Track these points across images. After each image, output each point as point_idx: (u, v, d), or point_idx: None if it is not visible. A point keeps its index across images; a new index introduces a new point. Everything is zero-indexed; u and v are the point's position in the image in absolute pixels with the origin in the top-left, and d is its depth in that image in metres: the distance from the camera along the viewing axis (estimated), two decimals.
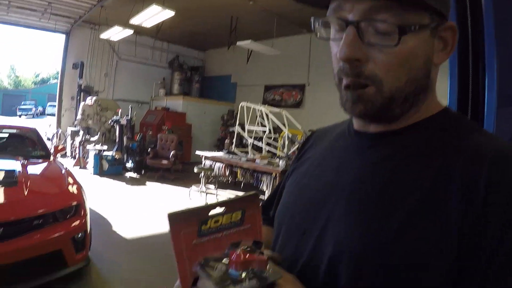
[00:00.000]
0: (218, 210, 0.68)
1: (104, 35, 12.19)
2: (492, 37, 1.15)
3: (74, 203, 4.08)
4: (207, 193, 8.62)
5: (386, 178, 0.72)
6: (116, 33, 11.65)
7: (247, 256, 0.62)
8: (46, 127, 14.79)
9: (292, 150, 8.33)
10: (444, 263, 0.59)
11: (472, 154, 0.65)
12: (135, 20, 9.85)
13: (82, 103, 12.72)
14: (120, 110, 12.05)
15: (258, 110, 9.33)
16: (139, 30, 12.43)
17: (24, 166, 4.59)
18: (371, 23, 0.68)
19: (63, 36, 14.06)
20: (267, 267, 0.64)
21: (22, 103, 48.90)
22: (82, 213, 4.11)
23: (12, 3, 10.92)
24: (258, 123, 9.39)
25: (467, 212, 0.59)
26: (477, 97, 1.20)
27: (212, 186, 9.20)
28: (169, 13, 9.14)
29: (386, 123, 0.78)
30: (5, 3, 10.88)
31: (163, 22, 10.26)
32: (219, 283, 0.60)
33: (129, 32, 11.27)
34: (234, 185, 10.04)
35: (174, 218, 0.64)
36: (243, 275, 0.61)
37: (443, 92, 1.24)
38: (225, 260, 0.64)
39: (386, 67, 0.70)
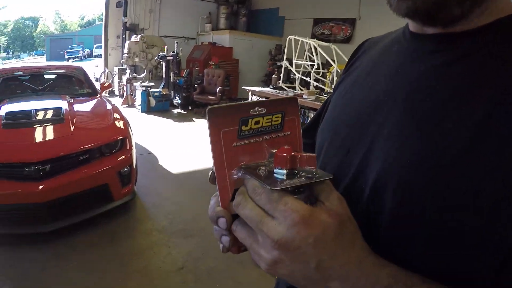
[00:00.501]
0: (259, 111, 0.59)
1: None
2: None
3: (120, 137, 4.14)
4: None
5: (450, 89, 0.57)
6: None
7: (293, 153, 0.53)
8: (93, 68, 15.01)
9: None
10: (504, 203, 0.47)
11: None
12: None
13: (127, 41, 12.74)
14: (166, 47, 12.00)
15: (307, 43, 9.03)
16: None
17: (70, 104, 4.67)
18: None
19: None
20: (317, 167, 0.55)
21: (69, 47, 50.04)
22: (128, 147, 4.17)
23: None
24: (306, 58, 9.11)
25: None
26: None
27: None
28: None
29: (445, 27, 0.62)
30: None
31: None
32: (266, 181, 0.52)
33: None
34: None
35: (215, 113, 0.56)
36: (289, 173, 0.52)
37: None
38: (268, 162, 0.58)
39: None
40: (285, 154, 0.53)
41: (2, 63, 28.38)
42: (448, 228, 0.52)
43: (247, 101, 0.68)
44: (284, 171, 0.52)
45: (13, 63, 41.05)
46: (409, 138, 0.58)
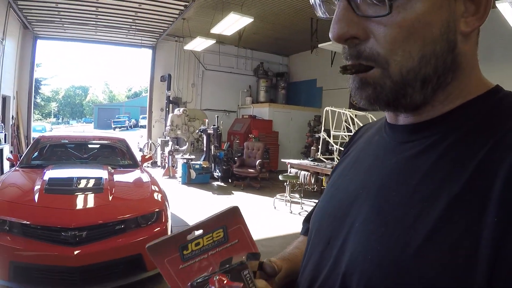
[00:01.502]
0: (198, 233, 0.68)
1: (188, 47, 12.59)
2: None
3: (156, 209, 4.20)
4: (291, 202, 8.45)
5: (415, 181, 0.59)
6: (199, 44, 11.96)
7: (224, 283, 0.63)
8: (138, 138, 15.52)
9: None
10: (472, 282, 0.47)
11: None
12: (215, 29, 10.05)
13: (170, 114, 13.20)
14: (207, 120, 12.36)
15: (344, 114, 9.11)
16: (221, 39, 12.73)
17: (111, 174, 4.82)
18: None
19: (150, 51, 14.73)
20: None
21: (116, 117, 52.20)
22: (164, 219, 4.23)
23: (99, 23, 11.66)
24: (343, 128, 9.16)
25: (506, 232, 0.46)
26: None
27: (297, 195, 9.05)
28: (247, 20, 9.25)
29: (410, 112, 0.65)
30: (92, 23, 11.65)
31: (244, 29, 10.39)
32: None
33: (211, 41, 11.52)
34: (319, 194, 9.75)
35: (153, 249, 0.65)
36: None
37: None
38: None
39: (389, 43, 0.58)
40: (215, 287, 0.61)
41: (51, 129, 29.81)
42: None
43: (183, 229, 0.70)
44: None
45: (62, 129, 42.97)
46: (373, 234, 0.60)
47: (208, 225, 0.68)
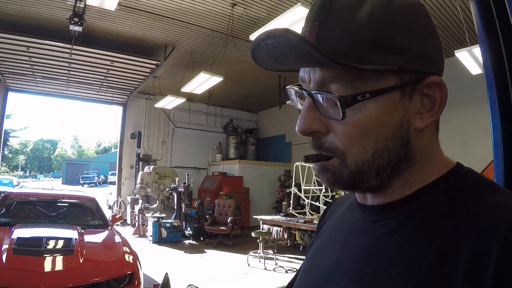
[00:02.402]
0: None
1: (158, 104, 12.71)
2: None
3: (129, 272, 4.13)
4: (265, 258, 8.34)
5: (386, 258, 0.62)
6: (170, 102, 12.10)
7: None
8: (107, 196, 15.26)
9: None
10: None
11: (484, 224, 0.54)
12: (186, 88, 10.22)
13: (140, 172, 13.12)
14: (177, 178, 12.30)
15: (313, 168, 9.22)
16: (191, 97, 12.89)
17: (81, 235, 4.71)
18: (321, 94, 0.64)
19: (121, 108, 14.73)
20: None
21: (85, 172, 51.26)
22: (136, 282, 4.14)
23: (71, 78, 11.66)
24: (314, 182, 9.25)
25: None
26: None
27: (270, 251, 8.96)
28: (217, 79, 9.45)
29: (372, 194, 0.71)
30: (64, 79, 11.65)
31: (213, 87, 10.56)
32: None
33: (181, 100, 11.67)
34: (293, 249, 9.75)
35: None
36: None
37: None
38: None
39: (346, 139, 0.63)
40: None
41: (18, 182, 28.98)
42: None
43: None
44: None
45: (30, 183, 41.75)
46: None
47: None
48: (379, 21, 0.58)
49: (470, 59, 6.97)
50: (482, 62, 1.08)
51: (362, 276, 0.64)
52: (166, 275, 0.71)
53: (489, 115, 1.07)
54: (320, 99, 0.64)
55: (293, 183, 10.04)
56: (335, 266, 0.72)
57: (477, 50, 6.49)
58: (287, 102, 10.42)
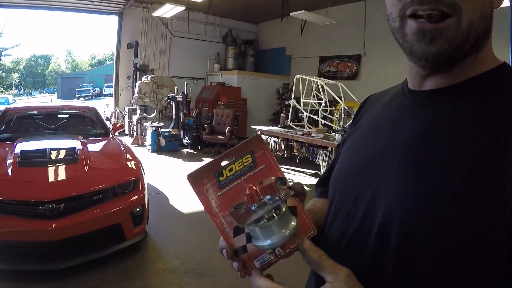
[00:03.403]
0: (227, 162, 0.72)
1: (156, 13, 12.26)
2: None
3: (133, 178, 4.18)
4: None
5: (441, 138, 0.66)
6: (168, 10, 11.64)
7: (255, 188, 0.64)
8: (104, 107, 15.22)
9: (348, 123, 8.15)
10: (499, 240, 0.55)
11: None
12: None
13: (138, 82, 12.96)
14: (175, 87, 12.24)
15: (314, 82, 9.18)
16: (190, 6, 12.43)
17: (84, 144, 4.73)
18: None
19: (116, 18, 14.27)
20: (278, 190, 0.65)
21: (80, 86, 50.51)
22: (140, 188, 4.21)
23: None
24: (313, 96, 9.24)
25: None
26: None
27: None
28: None
29: (448, 72, 0.70)
30: None
31: None
32: (241, 221, 0.63)
33: (180, 8, 11.23)
34: (290, 160, 9.94)
35: (193, 177, 0.70)
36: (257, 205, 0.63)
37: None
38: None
39: None
40: (247, 192, 0.64)
41: (14, 100, 28.74)
42: (451, 255, 0.58)
43: (216, 157, 0.74)
44: (256, 204, 0.62)
45: (25, 100, 41.58)
46: (408, 184, 0.66)
47: (237, 151, 0.72)
48: None
49: None
50: None
51: (416, 154, 0.68)
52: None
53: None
54: None
55: (293, 96, 10.01)
56: (384, 148, 0.76)
57: None
58: (291, 14, 10.10)
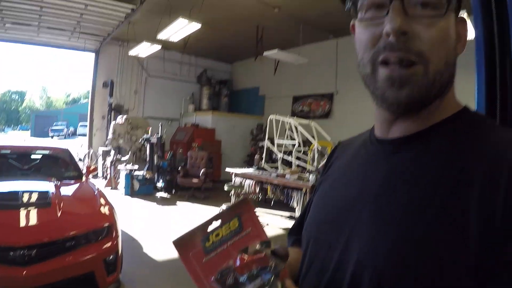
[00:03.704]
0: (216, 224, 0.72)
1: (132, 52, 12.31)
2: None
3: (106, 224, 4.11)
4: None
5: (408, 186, 0.69)
6: (144, 49, 11.73)
7: (246, 259, 0.65)
8: (77, 148, 15.02)
9: (322, 163, 8.21)
10: (463, 276, 0.57)
11: (493, 158, 0.62)
12: (162, 35, 9.93)
13: (113, 122, 12.86)
14: (150, 128, 12.20)
15: (287, 122, 9.27)
16: (167, 45, 12.54)
17: (57, 187, 4.65)
18: None
19: (93, 55, 14.26)
20: (270, 262, 0.65)
21: (54, 124, 49.87)
22: (114, 234, 4.13)
23: (42, 24, 11.13)
24: (287, 136, 9.32)
25: (486, 224, 0.57)
26: (506, 93, 1.13)
27: None
28: (195, 26, 9.18)
29: (414, 117, 0.75)
30: (35, 24, 11.11)
31: (190, 35, 10.30)
32: None
33: (157, 47, 11.34)
34: (264, 203, 9.90)
35: (179, 243, 0.70)
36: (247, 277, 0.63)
37: (470, 92, 1.20)
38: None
39: (431, 43, 0.67)
40: (238, 264, 0.64)
41: None
42: None
43: (204, 221, 0.73)
44: (244, 277, 0.63)
45: None
46: (379, 232, 0.68)
47: (226, 214, 0.72)
48: None
49: None
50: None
51: (387, 202, 0.70)
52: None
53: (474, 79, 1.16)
54: (407, 4, 0.67)
55: (267, 137, 10.07)
56: (355, 197, 0.78)
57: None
58: (264, 53, 10.28)
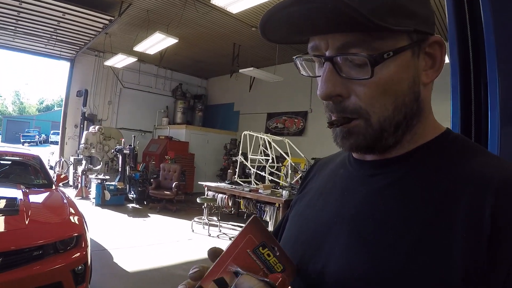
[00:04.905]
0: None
1: (108, 62, 12.25)
2: (493, 54, 1.13)
3: (75, 234, 4.01)
4: (209, 225, 8.45)
5: (388, 208, 0.68)
6: (120, 61, 11.68)
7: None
8: (49, 155, 14.77)
9: (295, 179, 8.28)
10: None
11: (477, 180, 0.61)
12: (139, 48, 9.94)
13: (85, 132, 12.74)
14: (123, 139, 12.09)
15: (261, 138, 9.33)
16: (143, 58, 12.57)
17: (25, 195, 4.55)
18: (345, 57, 0.67)
19: (68, 64, 14.11)
20: None
21: (26, 130, 48.98)
22: (83, 244, 4.04)
23: (18, 29, 10.99)
24: (261, 152, 9.37)
25: (471, 249, 0.56)
26: (480, 117, 1.17)
27: (215, 218, 9.08)
28: (172, 40, 9.21)
29: (382, 153, 0.75)
30: (11, 28, 10.96)
31: (166, 49, 10.35)
32: None
33: (133, 59, 11.31)
34: (237, 217, 9.92)
35: (253, 222, 0.68)
36: None
37: (445, 113, 1.21)
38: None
39: (369, 98, 0.68)
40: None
41: None
42: None
43: (274, 237, 0.72)
44: None
45: None
46: (355, 257, 0.67)
47: (282, 256, 0.70)
48: None
49: None
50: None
51: (364, 226, 0.69)
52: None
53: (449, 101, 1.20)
54: (342, 63, 0.68)
55: (240, 152, 10.11)
56: (332, 219, 0.77)
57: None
58: (240, 70, 10.36)
